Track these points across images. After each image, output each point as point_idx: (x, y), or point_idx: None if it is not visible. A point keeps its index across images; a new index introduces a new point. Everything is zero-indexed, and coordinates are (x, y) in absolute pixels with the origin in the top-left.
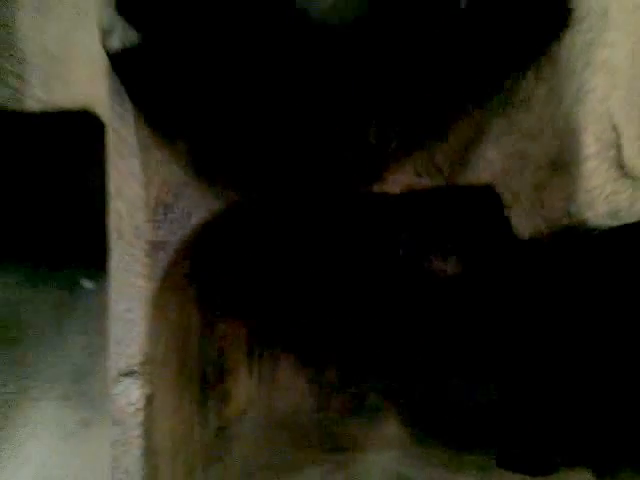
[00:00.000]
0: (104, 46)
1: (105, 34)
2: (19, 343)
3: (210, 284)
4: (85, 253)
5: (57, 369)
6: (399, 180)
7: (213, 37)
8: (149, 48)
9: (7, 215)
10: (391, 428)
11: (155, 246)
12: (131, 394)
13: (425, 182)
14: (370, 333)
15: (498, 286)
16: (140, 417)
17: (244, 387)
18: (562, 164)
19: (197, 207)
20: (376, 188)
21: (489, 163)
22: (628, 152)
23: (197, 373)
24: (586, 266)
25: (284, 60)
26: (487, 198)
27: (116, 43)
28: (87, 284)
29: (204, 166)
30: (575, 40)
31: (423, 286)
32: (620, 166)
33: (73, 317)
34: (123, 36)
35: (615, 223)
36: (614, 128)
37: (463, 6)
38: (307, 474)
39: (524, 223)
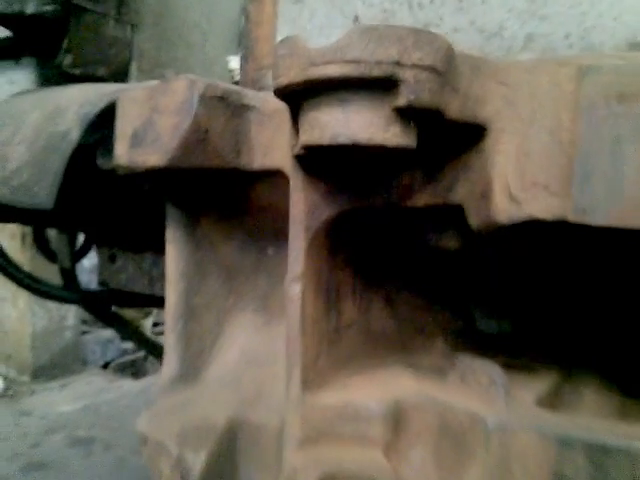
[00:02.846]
0: (291, 151)
1: (291, 147)
2: (235, 271)
3: (334, 248)
4: (275, 233)
5: (253, 293)
6: (421, 199)
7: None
8: (312, 156)
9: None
10: (438, 343)
11: (307, 227)
12: (295, 288)
13: (435, 200)
14: (423, 281)
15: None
16: (299, 298)
17: (350, 311)
18: (487, 195)
19: (325, 211)
20: (409, 203)
21: (459, 193)
22: (514, 190)
23: (325, 294)
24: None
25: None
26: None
27: (295, 151)
28: (270, 252)
29: (328, 194)
30: (489, 141)
31: (445, 253)
32: (510, 196)
33: (263, 268)
34: (298, 149)
35: (510, 222)
36: (507, 180)
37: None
38: (389, 362)
39: (474, 223)
